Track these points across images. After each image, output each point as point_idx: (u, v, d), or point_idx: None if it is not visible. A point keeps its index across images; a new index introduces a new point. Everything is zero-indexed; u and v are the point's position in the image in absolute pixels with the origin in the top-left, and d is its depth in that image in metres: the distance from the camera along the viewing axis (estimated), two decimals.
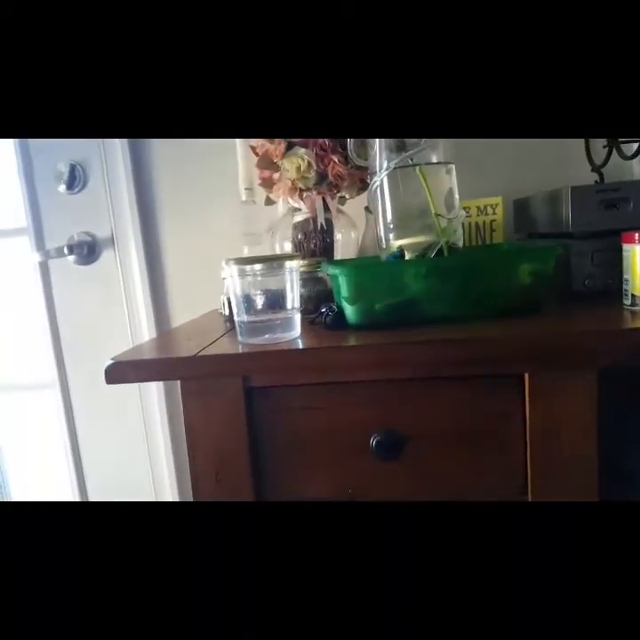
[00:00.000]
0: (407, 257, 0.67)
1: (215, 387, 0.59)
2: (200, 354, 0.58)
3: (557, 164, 0.98)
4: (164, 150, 1.09)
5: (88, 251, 1.13)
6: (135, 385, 1.16)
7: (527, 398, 0.57)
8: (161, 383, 1.15)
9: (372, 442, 0.59)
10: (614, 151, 0.88)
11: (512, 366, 0.57)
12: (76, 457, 1.23)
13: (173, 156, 1.09)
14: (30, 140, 1.12)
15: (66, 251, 1.10)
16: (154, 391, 1.16)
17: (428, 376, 0.59)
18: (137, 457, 1.20)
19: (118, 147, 1.08)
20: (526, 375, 0.57)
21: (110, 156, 1.10)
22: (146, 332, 1.14)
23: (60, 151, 1.11)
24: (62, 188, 1.12)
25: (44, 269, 1.17)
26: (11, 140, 1.12)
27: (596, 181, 0.91)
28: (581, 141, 0.95)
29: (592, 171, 0.93)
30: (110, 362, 0.58)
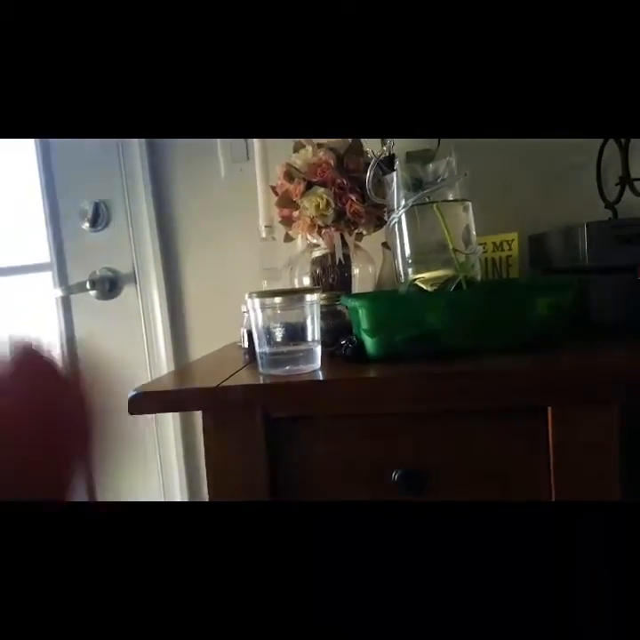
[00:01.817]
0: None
1: (236, 417, 0.59)
2: (221, 385, 0.58)
3: (571, 201, 1.00)
4: (186, 189, 1.13)
5: (110, 286, 1.16)
6: (152, 416, 1.16)
7: (550, 432, 0.57)
8: (177, 415, 1.16)
9: (394, 476, 0.59)
10: (627, 188, 0.90)
11: (534, 400, 0.57)
12: (90, 488, 1.22)
13: (195, 195, 1.13)
14: (57, 180, 1.16)
15: (88, 286, 1.13)
16: (170, 424, 1.17)
17: (449, 409, 0.59)
18: (151, 488, 1.20)
19: (141, 186, 1.12)
20: (549, 409, 0.57)
21: (133, 195, 1.14)
22: (165, 365, 1.15)
23: (84, 190, 1.15)
24: (86, 225, 1.16)
25: (66, 304, 1.19)
26: (38, 180, 1.17)
27: (609, 218, 0.93)
28: (594, 179, 0.97)
29: (605, 207, 0.94)
30: (133, 392, 0.59)
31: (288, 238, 0.92)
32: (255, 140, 0.92)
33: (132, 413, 0.59)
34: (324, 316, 0.75)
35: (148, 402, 0.59)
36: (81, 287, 1.13)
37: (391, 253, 0.74)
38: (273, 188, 0.89)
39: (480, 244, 0.74)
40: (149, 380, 1.13)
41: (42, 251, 1.20)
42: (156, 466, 1.18)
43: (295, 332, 0.62)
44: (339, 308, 0.78)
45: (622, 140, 0.91)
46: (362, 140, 0.87)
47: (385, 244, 0.92)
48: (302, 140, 0.86)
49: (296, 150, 0.86)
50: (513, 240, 0.89)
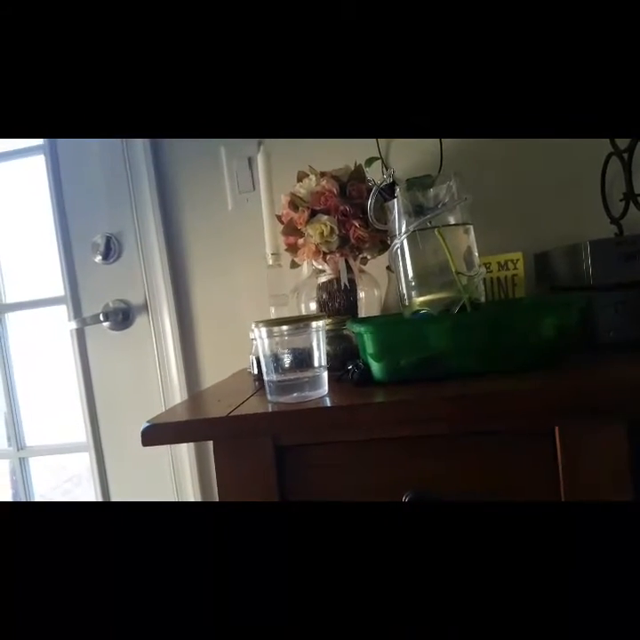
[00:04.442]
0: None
1: (246, 446, 0.60)
2: (231, 414, 0.59)
3: (577, 218, 1.00)
4: (194, 220, 1.16)
5: (123, 317, 1.18)
6: (167, 446, 1.17)
7: (559, 453, 0.56)
8: (192, 444, 1.16)
9: (404, 500, 0.59)
10: (631, 204, 0.91)
11: (542, 421, 0.57)
12: None
13: (204, 226, 1.16)
14: (68, 215, 1.20)
15: (101, 318, 1.15)
16: (185, 451, 1.17)
17: (457, 432, 0.59)
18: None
19: (151, 219, 1.15)
20: (556, 429, 0.56)
21: (144, 228, 1.16)
22: (178, 393, 1.16)
23: (96, 224, 1.19)
24: (98, 258, 1.19)
25: (80, 336, 1.22)
26: (50, 216, 1.20)
27: (615, 234, 0.93)
28: (599, 195, 0.97)
29: (611, 223, 0.95)
30: (146, 424, 0.60)
31: (294, 265, 0.94)
32: (260, 172, 0.94)
33: (145, 445, 0.60)
34: (331, 340, 0.76)
35: (160, 434, 0.60)
36: (95, 319, 1.16)
37: (395, 277, 0.75)
38: (278, 217, 0.91)
39: (485, 264, 0.75)
40: (163, 407, 1.14)
41: (56, 285, 1.23)
42: (172, 491, 1.19)
43: (302, 359, 0.63)
44: (345, 332, 0.79)
45: (625, 156, 0.91)
46: (363, 167, 0.89)
47: (389, 268, 0.93)
48: (305, 170, 0.88)
49: (300, 180, 0.88)
50: (518, 259, 0.89)
